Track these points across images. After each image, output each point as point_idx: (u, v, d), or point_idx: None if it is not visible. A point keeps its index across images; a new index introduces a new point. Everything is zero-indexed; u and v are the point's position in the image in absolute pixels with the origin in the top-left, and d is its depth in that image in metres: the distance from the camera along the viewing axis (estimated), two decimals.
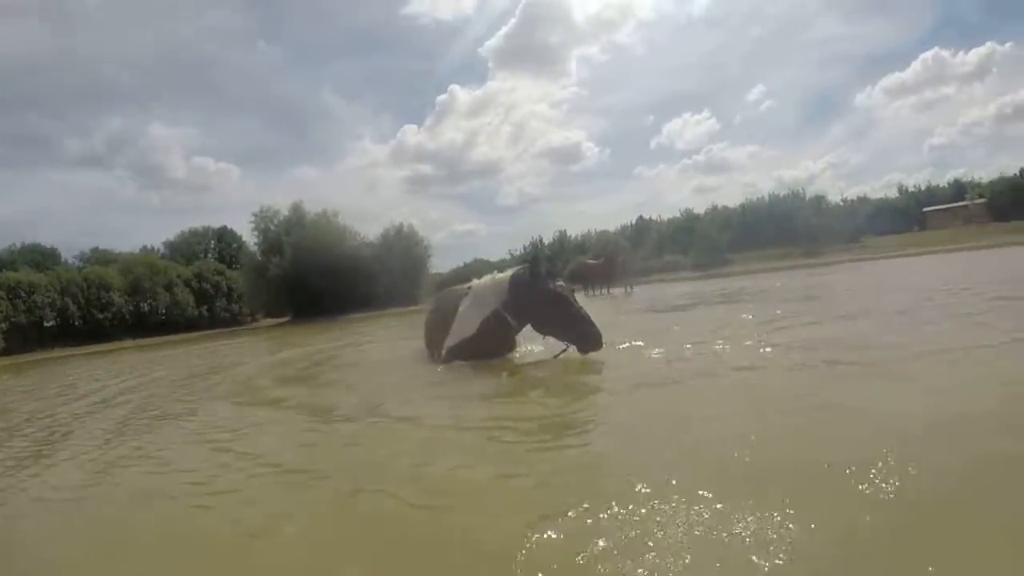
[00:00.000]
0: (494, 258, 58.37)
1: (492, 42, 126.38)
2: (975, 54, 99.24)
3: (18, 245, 56.41)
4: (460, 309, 6.63)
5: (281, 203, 48.98)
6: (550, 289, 6.17)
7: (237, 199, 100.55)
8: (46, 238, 55.41)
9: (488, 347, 6.45)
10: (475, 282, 6.88)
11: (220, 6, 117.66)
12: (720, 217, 50.75)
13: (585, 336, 6.00)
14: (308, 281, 42.03)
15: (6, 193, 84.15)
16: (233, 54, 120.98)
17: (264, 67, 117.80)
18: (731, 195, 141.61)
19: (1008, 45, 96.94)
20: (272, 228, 47.11)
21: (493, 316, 6.29)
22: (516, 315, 6.28)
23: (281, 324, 42.75)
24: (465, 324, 6.50)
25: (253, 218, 48.04)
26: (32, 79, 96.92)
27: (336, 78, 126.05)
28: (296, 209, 47.72)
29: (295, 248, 43.89)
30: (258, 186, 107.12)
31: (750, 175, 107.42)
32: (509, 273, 6.50)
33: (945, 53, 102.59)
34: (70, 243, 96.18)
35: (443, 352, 6.70)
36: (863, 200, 64.94)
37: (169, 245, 61.18)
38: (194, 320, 48.57)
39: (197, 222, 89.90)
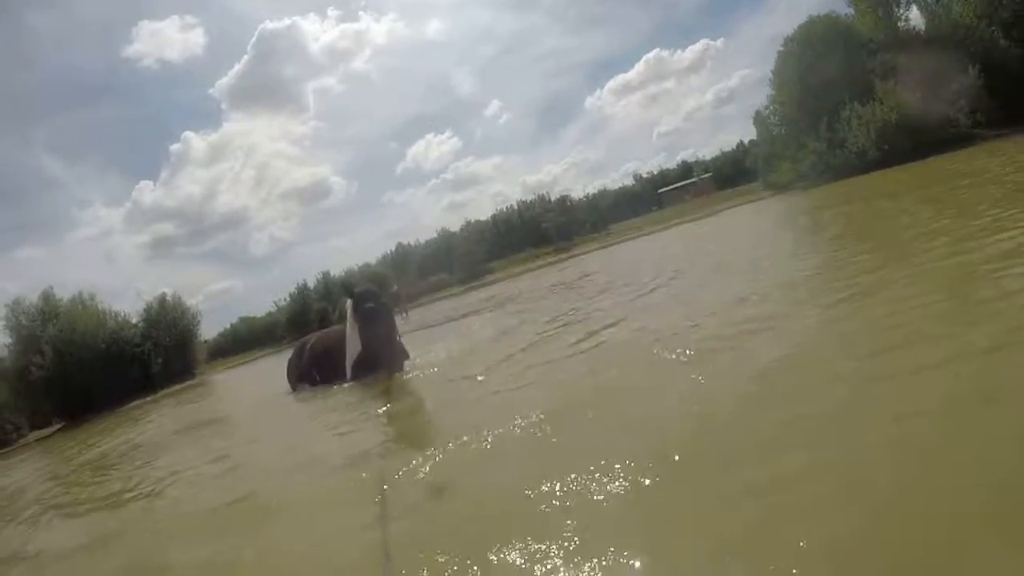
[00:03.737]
0: (260, 312, 55.99)
1: (224, 81, 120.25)
2: (691, 51, 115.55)
3: None
4: (348, 333, 7.88)
5: (24, 294, 42.84)
6: (369, 307, 7.51)
7: None
8: None
9: (377, 360, 7.49)
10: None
11: None
12: (474, 231, 54.08)
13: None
14: (75, 379, 37.91)
15: None
16: None
17: None
18: (483, 206, 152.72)
19: (720, 41, 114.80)
20: (24, 324, 41.07)
21: (359, 333, 7.59)
22: (367, 329, 7.50)
23: (55, 432, 35.47)
24: (352, 345, 7.76)
25: (3, 314, 41.52)
26: None
27: (52, 137, 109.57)
28: (47, 298, 42.20)
29: (54, 344, 39.15)
30: None
31: (498, 185, 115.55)
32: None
33: (664, 52, 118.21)
34: None
35: (348, 372, 7.89)
36: (604, 192, 72.61)
37: None
38: None
39: None
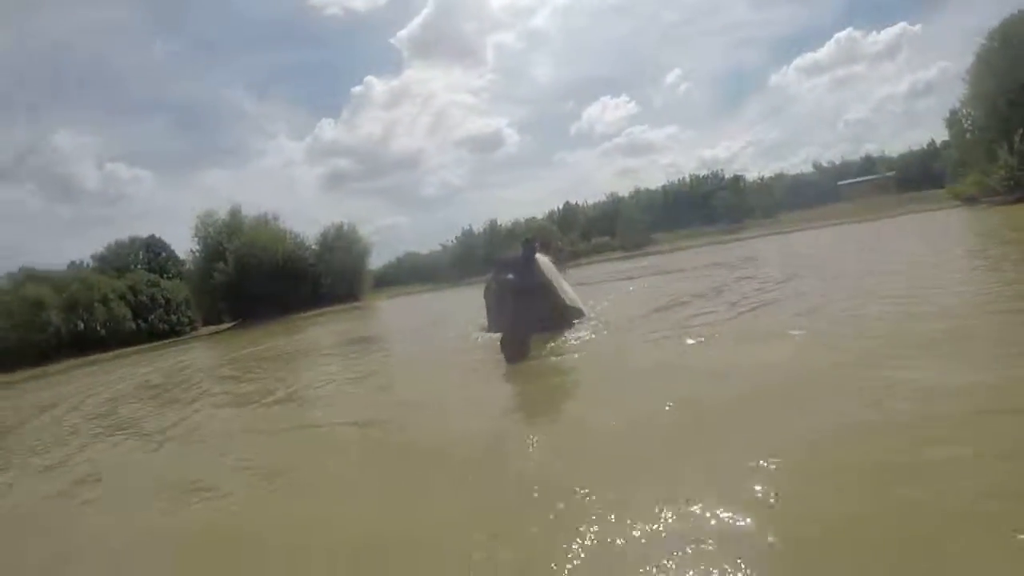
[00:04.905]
0: (423, 250, 58.68)
1: (406, 32, 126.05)
2: (887, 34, 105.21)
3: None
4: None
5: (217, 208, 48.83)
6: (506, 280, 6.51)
7: (153, 206, 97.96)
8: None
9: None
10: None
11: (110, 2, 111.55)
12: (643, 199, 53.23)
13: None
14: (251, 286, 42.40)
15: None
16: (130, 53, 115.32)
17: (166, 65, 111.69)
18: (653, 176, 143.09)
19: (919, 27, 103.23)
20: (212, 235, 47.04)
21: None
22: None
23: (228, 329, 42.36)
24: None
25: (195, 224, 47.95)
26: None
27: (244, 74, 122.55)
28: (234, 215, 47.88)
29: (237, 254, 44.12)
30: (173, 191, 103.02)
31: (671, 156, 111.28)
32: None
33: (857, 33, 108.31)
34: None
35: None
36: (780, 177, 68.55)
37: (99, 258, 59.48)
38: (132, 334, 47.36)
39: (113, 232, 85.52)
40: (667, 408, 3.33)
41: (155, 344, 42.28)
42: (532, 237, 7.17)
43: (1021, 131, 30.99)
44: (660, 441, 2.91)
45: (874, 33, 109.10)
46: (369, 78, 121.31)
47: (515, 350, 5.42)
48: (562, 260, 24.83)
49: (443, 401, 4.86)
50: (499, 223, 50.34)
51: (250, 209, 49.08)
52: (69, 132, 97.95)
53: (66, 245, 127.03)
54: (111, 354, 39.91)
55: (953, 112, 38.43)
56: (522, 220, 50.57)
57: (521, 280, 6.14)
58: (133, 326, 48.45)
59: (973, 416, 2.65)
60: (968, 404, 2.78)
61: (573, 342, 6.14)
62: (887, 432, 2.61)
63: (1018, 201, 28.17)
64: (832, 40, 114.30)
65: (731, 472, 2.41)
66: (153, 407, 7.55)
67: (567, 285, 7.31)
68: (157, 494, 3.85)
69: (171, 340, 44.61)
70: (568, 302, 6.97)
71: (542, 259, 6.79)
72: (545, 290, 6.49)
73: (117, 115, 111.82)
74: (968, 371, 3.29)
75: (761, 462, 2.42)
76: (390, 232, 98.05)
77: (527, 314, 5.89)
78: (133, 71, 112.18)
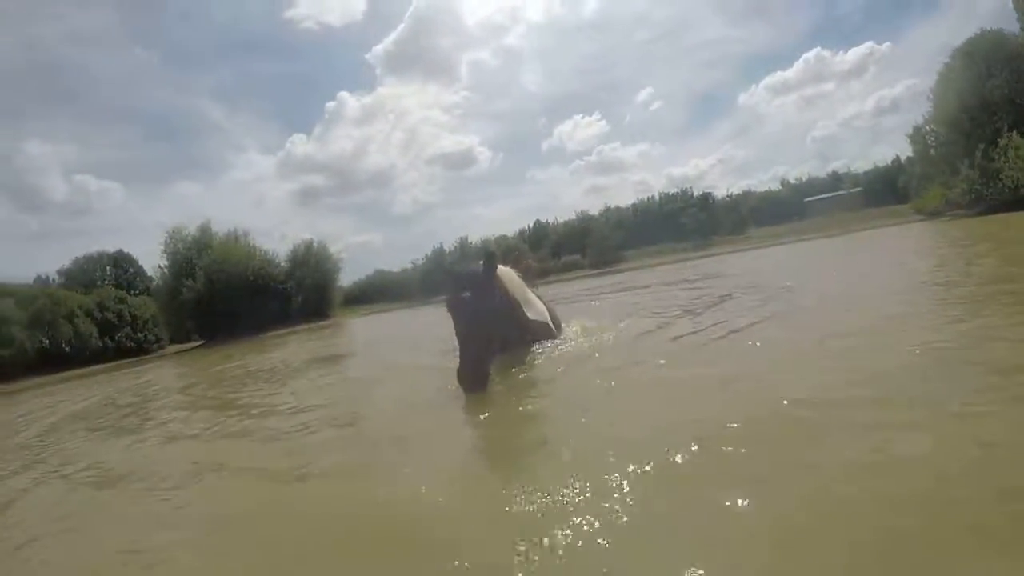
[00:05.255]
0: (395, 268, 58.47)
1: (381, 47, 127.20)
2: (854, 53, 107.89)
3: None
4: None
5: (186, 223, 48.58)
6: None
7: (122, 219, 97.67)
8: None
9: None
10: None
11: (88, 9, 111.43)
12: (613, 217, 53.88)
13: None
14: (221, 303, 42.22)
15: None
16: (104, 61, 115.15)
17: (139, 75, 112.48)
18: (624, 194, 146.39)
19: (886, 45, 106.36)
20: (181, 250, 46.65)
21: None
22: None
23: (197, 348, 41.62)
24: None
25: (163, 240, 47.69)
26: None
27: (217, 86, 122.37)
28: (204, 230, 47.63)
29: (207, 271, 43.84)
30: (142, 204, 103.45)
31: (641, 173, 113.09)
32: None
33: (826, 52, 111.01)
34: None
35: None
36: (748, 194, 70.06)
37: (64, 273, 58.40)
38: (98, 352, 46.32)
39: (81, 246, 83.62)
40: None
41: (121, 362, 41.59)
42: (493, 251, 5.97)
43: (982, 146, 32.15)
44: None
45: (842, 53, 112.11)
46: (342, 94, 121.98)
47: (473, 380, 4.81)
48: (530, 278, 25.24)
49: (377, 448, 4.21)
50: (469, 240, 50.69)
51: (220, 224, 48.99)
52: (38, 141, 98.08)
53: (32, 257, 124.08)
54: (75, 372, 39.23)
55: (917, 128, 39.85)
56: (492, 238, 51.12)
57: (479, 300, 5.24)
58: (99, 344, 47.60)
59: None
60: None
61: (538, 367, 5.60)
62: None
63: (979, 214, 29.28)
64: (801, 59, 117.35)
65: None
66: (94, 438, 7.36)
67: (541, 303, 6.60)
68: None
69: (138, 358, 44.01)
70: (537, 320, 6.21)
71: (507, 273, 5.96)
72: (509, 310, 5.64)
73: (88, 124, 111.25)
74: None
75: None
76: (362, 249, 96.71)
77: (486, 338, 5.12)
78: (106, 80, 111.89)
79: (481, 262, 5.55)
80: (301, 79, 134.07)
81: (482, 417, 4.28)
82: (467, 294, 5.21)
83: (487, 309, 5.19)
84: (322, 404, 6.11)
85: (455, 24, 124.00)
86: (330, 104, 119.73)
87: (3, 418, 13.22)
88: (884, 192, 62.74)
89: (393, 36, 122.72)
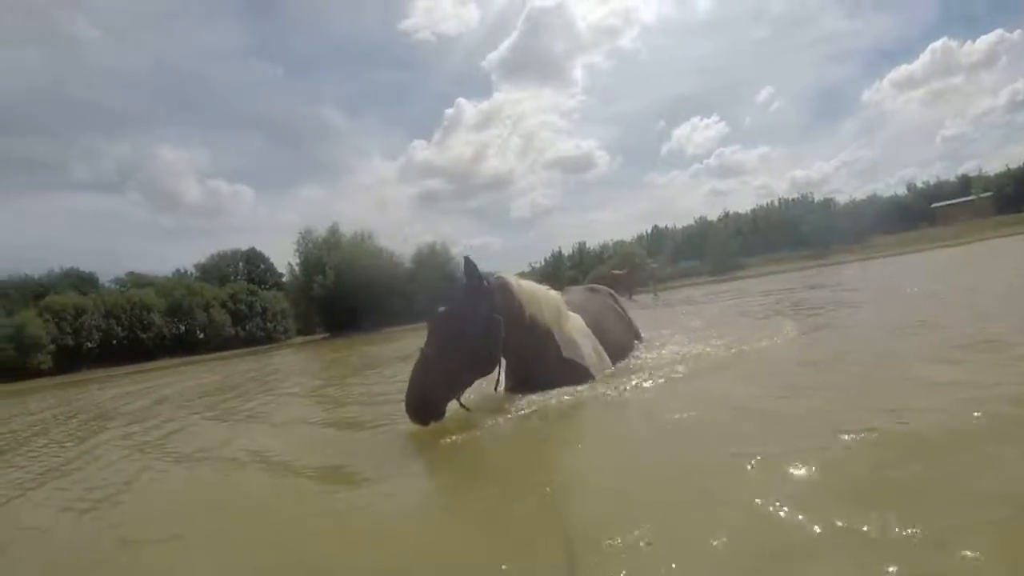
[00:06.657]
0: (513, 271, 59.35)
1: (496, 54, 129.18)
2: (983, 42, 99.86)
3: (57, 270, 56.98)
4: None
5: (315, 225, 51.72)
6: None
7: (252, 219, 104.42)
8: (59, 262, 55.63)
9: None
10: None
11: (215, 26, 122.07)
12: (732, 223, 52.39)
13: None
14: (348, 299, 44.47)
15: (16, 217, 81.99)
16: (233, 73, 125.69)
17: (266, 85, 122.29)
18: (744, 198, 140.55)
19: (1017, 33, 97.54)
20: (312, 250, 49.76)
21: None
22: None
23: (323, 340, 43.58)
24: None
25: (295, 240, 51.09)
26: (33, 105, 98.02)
27: (340, 95, 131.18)
28: (333, 232, 50.72)
29: (336, 268, 46.44)
30: (270, 208, 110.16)
31: (762, 177, 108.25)
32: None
33: (953, 43, 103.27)
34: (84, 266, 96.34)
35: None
36: (872, 199, 66.06)
37: (200, 268, 63.61)
38: (229, 339, 50.59)
39: (213, 243, 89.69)
40: None
41: (252, 349, 44.57)
42: (467, 256, 4.42)
43: None
44: None
45: (970, 42, 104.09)
46: (459, 100, 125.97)
47: (417, 409, 3.88)
48: (649, 283, 25.04)
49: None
50: (588, 246, 50.64)
51: (345, 226, 51.77)
52: (169, 147, 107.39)
53: (167, 254, 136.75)
54: (210, 356, 42.38)
55: None
56: (610, 243, 50.68)
57: (452, 316, 4.21)
58: (232, 332, 51.43)
59: None
60: None
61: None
62: None
63: None
64: (927, 51, 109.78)
65: None
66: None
67: (582, 334, 5.15)
68: None
69: (266, 346, 47.16)
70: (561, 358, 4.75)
71: (531, 291, 4.77)
72: (495, 332, 4.24)
73: (218, 132, 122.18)
74: None
75: None
76: (481, 252, 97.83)
77: (456, 362, 4.04)
78: (234, 90, 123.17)
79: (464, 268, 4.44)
80: (420, 86, 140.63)
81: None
82: (442, 308, 4.26)
83: (461, 329, 4.13)
84: None
85: (567, 28, 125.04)
86: (448, 111, 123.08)
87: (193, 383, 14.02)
88: (1018, 196, 58.29)
89: (508, 42, 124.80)
